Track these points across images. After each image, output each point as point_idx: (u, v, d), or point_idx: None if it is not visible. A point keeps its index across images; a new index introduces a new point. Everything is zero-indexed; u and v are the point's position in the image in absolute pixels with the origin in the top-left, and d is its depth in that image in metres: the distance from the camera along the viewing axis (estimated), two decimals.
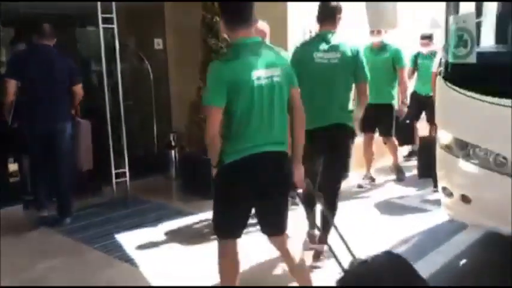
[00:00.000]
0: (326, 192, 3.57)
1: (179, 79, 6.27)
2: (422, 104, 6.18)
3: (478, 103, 2.98)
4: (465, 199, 3.15)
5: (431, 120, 6.05)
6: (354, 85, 3.53)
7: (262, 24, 3.77)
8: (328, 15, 3.50)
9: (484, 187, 3.06)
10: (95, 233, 4.37)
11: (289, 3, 5.43)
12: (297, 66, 3.07)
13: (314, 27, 4.56)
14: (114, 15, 5.03)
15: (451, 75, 3.18)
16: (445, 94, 3.26)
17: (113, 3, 4.99)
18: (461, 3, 3.31)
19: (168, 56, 6.44)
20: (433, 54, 5.87)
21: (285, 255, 2.79)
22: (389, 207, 4.96)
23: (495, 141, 2.94)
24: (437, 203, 4.11)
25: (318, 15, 3.56)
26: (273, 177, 2.54)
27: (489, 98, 2.93)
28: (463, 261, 3.71)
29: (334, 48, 3.41)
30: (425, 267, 3.49)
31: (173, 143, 6.05)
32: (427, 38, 6.19)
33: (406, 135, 5.95)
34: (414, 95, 6.30)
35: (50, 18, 5.12)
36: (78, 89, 4.67)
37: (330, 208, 3.45)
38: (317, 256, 3.61)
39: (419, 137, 5.88)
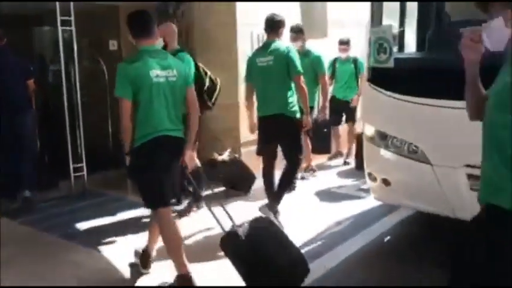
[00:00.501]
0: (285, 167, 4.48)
1: None
2: (342, 108, 6.54)
3: (396, 101, 3.54)
4: (386, 182, 3.72)
5: (351, 120, 6.64)
6: None
7: (169, 27, 4.38)
8: (273, 27, 4.29)
9: (400, 172, 3.64)
10: (56, 223, 4.65)
11: (238, 10, 5.86)
12: (247, 71, 4.46)
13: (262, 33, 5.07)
14: (72, 18, 5.31)
15: (373, 77, 3.75)
16: (368, 94, 3.82)
17: (71, 4, 5.27)
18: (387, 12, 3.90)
19: (122, 56, 6.71)
20: (351, 60, 6.35)
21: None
22: (328, 196, 5.51)
23: (409, 133, 3.52)
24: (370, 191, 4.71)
25: (265, 27, 4.21)
26: (172, 154, 3.17)
27: (404, 97, 3.50)
28: (388, 237, 4.29)
29: (271, 52, 4.24)
30: (355, 243, 4.09)
31: None
32: (345, 43, 6.27)
33: (322, 144, 6.12)
34: (333, 99, 6.42)
35: (5, 18, 5.35)
36: (31, 83, 5.10)
37: (281, 183, 4.41)
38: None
39: (356, 133, 6.42)
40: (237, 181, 5.52)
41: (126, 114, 3.02)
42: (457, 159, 3.24)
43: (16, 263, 3.73)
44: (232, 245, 3.00)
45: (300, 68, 4.23)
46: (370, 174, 3.89)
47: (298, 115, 4.35)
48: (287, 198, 4.65)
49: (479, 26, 1.70)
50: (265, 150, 4.51)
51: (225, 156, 5.60)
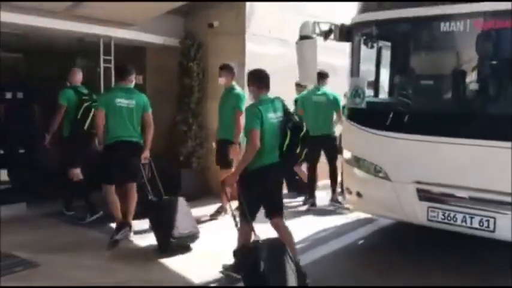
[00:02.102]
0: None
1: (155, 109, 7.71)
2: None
3: (366, 133, 4.72)
4: (359, 195, 4.88)
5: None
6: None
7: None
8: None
9: (369, 186, 4.79)
10: None
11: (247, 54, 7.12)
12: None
13: None
14: (112, 57, 6.57)
15: (351, 115, 4.95)
16: (347, 127, 5.02)
17: (112, 48, 6.54)
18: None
19: (146, 88, 7.89)
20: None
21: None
22: (318, 211, 6.63)
23: (375, 157, 4.68)
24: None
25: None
26: (130, 152, 5.04)
27: (372, 130, 4.68)
28: (361, 241, 5.41)
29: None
30: (335, 244, 5.21)
31: None
32: (301, 86, 7.03)
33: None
34: None
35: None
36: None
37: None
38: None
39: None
40: None
41: (101, 122, 4.95)
42: (409, 177, 4.40)
43: None
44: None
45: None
46: (347, 189, 5.05)
47: None
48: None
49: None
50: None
51: None
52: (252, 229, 3.83)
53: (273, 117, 3.98)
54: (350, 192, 5.01)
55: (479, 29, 4.25)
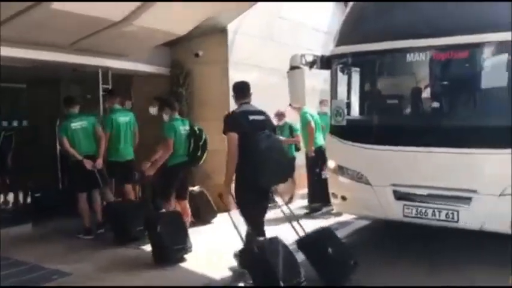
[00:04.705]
0: None
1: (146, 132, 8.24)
2: None
3: (347, 146, 5.62)
4: (343, 198, 5.74)
5: None
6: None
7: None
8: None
9: (352, 191, 5.65)
10: None
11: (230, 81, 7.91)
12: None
13: None
14: (110, 86, 7.18)
15: (334, 130, 5.85)
16: (331, 141, 5.91)
17: (110, 79, 7.16)
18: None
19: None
20: (285, 125, 8.14)
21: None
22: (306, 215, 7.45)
23: (357, 165, 5.56)
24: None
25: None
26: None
27: (353, 143, 5.58)
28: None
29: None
30: None
31: None
32: (281, 114, 8.05)
33: None
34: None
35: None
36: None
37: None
38: None
39: None
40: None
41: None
42: (386, 181, 5.31)
43: None
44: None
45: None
46: (333, 194, 5.90)
47: None
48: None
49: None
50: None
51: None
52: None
53: (182, 129, 5.85)
54: (336, 197, 5.86)
55: (436, 59, 5.28)
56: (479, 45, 4.97)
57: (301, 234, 4.78)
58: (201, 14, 6.56)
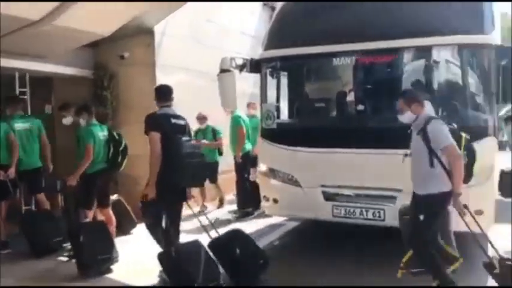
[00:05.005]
0: None
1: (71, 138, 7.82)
2: None
3: (278, 148, 5.67)
4: (275, 201, 5.77)
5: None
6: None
7: None
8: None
9: (284, 193, 5.71)
10: None
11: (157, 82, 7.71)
12: None
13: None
14: (27, 89, 6.72)
15: (264, 134, 5.87)
16: (262, 144, 5.93)
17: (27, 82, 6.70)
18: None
19: (54, 117, 7.96)
20: (207, 128, 7.99)
21: None
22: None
23: (287, 168, 5.62)
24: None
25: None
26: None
27: (283, 146, 5.64)
28: (276, 242, 6.31)
29: None
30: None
31: None
32: (203, 117, 7.90)
33: None
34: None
35: None
36: None
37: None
38: None
39: None
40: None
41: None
42: (316, 182, 5.41)
43: None
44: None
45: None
46: (264, 197, 5.92)
47: None
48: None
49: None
50: None
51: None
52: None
53: (101, 135, 5.62)
54: (267, 200, 5.89)
55: (360, 63, 5.47)
56: (399, 51, 5.22)
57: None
58: (126, 15, 6.32)
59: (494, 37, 4.98)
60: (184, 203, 4.81)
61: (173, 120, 4.63)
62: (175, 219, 4.72)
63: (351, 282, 4.58)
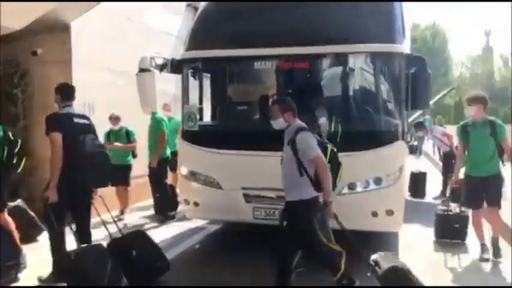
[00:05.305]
0: None
1: None
2: None
3: (200, 151, 5.61)
4: (196, 204, 5.71)
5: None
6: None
7: None
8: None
9: (205, 196, 5.66)
10: None
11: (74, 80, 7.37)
12: None
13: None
14: None
15: (186, 136, 5.79)
16: (182, 146, 5.84)
17: None
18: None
19: None
20: (121, 130, 7.66)
21: None
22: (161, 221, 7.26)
23: (208, 170, 5.59)
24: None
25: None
26: None
27: (205, 148, 5.59)
28: (197, 245, 6.24)
29: None
30: (175, 251, 5.88)
31: None
32: (116, 118, 7.53)
33: None
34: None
35: None
36: None
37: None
38: None
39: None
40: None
41: None
42: (236, 185, 5.42)
43: None
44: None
45: None
46: (185, 200, 5.83)
47: None
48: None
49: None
50: None
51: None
52: None
53: None
54: (188, 203, 5.80)
55: (280, 68, 5.58)
56: (317, 57, 5.39)
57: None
58: (38, 8, 5.97)
59: (405, 46, 5.30)
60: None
61: (76, 120, 4.60)
62: (81, 221, 4.62)
63: (264, 283, 4.60)
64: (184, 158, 5.93)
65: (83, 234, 4.61)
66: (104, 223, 4.80)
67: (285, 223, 4.29)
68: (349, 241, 4.20)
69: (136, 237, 4.89)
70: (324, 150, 4.31)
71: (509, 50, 56.26)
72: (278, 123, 4.36)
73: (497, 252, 5.40)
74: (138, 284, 4.47)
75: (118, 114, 7.56)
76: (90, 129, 4.69)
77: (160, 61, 5.66)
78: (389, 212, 5.06)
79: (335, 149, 4.48)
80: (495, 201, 5.39)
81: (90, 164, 4.37)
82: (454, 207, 6.12)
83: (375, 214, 5.08)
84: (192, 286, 4.78)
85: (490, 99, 5.51)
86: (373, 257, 4.17)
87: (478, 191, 5.41)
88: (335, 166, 4.43)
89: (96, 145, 4.58)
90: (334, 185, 4.44)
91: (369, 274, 4.13)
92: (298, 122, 4.31)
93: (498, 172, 5.36)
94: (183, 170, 5.84)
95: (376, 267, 4.05)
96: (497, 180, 5.35)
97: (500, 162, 5.36)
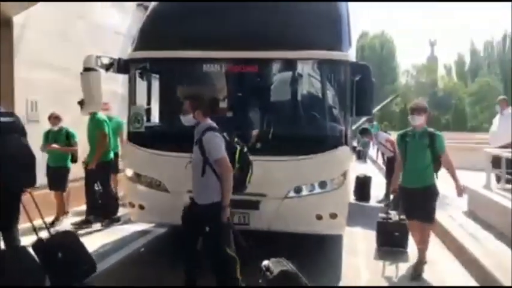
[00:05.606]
0: None
1: None
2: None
3: (146, 153, 5.51)
4: (141, 207, 5.60)
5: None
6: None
7: None
8: None
9: (151, 199, 5.57)
10: None
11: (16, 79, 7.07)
12: None
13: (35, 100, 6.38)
14: None
15: (132, 138, 5.67)
16: (128, 148, 5.73)
17: None
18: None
19: None
20: (61, 131, 7.28)
21: None
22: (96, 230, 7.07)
23: (155, 173, 5.50)
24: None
25: None
26: None
27: (151, 150, 5.49)
28: (142, 249, 6.13)
29: None
30: (119, 255, 5.77)
31: None
32: (55, 117, 7.19)
33: None
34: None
35: None
36: None
37: None
38: None
39: None
40: None
41: None
42: (183, 187, 5.34)
43: None
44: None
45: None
46: (130, 203, 5.71)
47: None
48: None
49: None
50: None
51: None
52: None
53: None
54: (133, 206, 5.68)
55: (230, 71, 5.59)
56: (265, 61, 5.44)
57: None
58: None
59: (351, 54, 5.43)
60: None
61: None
62: (7, 225, 4.45)
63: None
64: (130, 160, 5.81)
65: (10, 239, 4.46)
66: (35, 229, 4.60)
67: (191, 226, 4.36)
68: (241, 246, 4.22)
69: (64, 238, 4.72)
70: (233, 150, 4.27)
71: (452, 60, 59.07)
72: (187, 120, 4.34)
73: (419, 268, 5.32)
74: (61, 285, 4.37)
75: (58, 113, 7.22)
76: (16, 127, 4.46)
77: (106, 60, 5.51)
78: (333, 215, 5.16)
79: (245, 149, 4.44)
80: (426, 217, 5.26)
81: (14, 165, 4.18)
82: (394, 215, 6.17)
83: (319, 217, 5.16)
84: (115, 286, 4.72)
85: (433, 107, 5.72)
86: (264, 262, 4.14)
87: (411, 202, 5.33)
88: (245, 167, 4.41)
89: (18, 145, 4.37)
90: (245, 186, 4.49)
91: (260, 281, 4.08)
92: (208, 122, 4.28)
93: (432, 184, 5.23)
94: (128, 172, 5.72)
95: (267, 273, 4.05)
96: (430, 193, 5.21)
97: (435, 174, 5.24)
